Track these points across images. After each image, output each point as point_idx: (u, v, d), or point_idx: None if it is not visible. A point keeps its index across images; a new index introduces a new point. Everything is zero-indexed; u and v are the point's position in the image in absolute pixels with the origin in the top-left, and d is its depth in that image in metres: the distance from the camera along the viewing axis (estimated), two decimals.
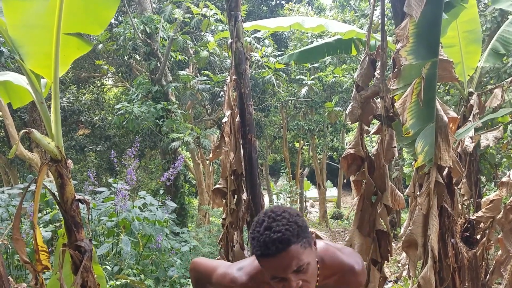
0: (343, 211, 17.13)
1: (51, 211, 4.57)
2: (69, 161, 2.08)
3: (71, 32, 1.96)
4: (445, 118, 2.67)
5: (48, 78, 1.95)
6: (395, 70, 2.59)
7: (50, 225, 4.49)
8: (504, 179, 3.43)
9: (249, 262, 1.57)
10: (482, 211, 3.64)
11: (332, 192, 21.02)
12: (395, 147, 3.00)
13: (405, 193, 3.36)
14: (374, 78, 2.90)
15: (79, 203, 2.22)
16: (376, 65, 2.87)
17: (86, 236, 2.23)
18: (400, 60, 2.44)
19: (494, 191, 4.28)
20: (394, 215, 10.16)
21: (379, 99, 2.92)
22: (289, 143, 15.81)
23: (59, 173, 2.05)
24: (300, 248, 1.27)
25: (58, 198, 2.14)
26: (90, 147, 11.24)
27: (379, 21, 2.91)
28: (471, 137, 4.59)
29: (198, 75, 9.33)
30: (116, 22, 10.96)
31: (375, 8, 3.07)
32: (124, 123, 7.74)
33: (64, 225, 2.23)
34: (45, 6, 1.83)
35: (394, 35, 2.77)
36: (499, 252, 3.80)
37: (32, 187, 3.52)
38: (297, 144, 16.55)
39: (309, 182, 20.55)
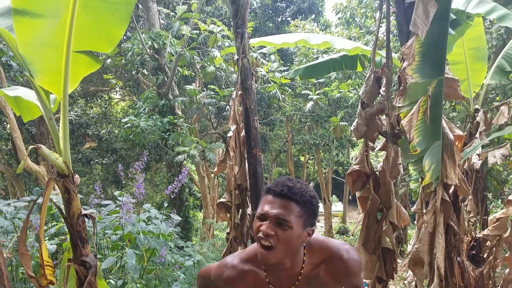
0: (349, 226, 16.98)
1: (57, 224, 4.58)
2: (76, 176, 2.10)
3: (81, 50, 1.99)
4: (451, 136, 2.67)
5: (57, 94, 1.98)
6: (401, 87, 2.61)
7: (55, 238, 4.49)
8: (510, 197, 3.40)
9: (244, 250, 1.64)
10: (488, 229, 3.60)
11: (337, 206, 20.87)
12: (400, 164, 3.00)
13: (412, 210, 3.35)
14: (379, 95, 2.91)
15: (85, 218, 2.23)
16: (381, 82, 2.89)
17: (91, 251, 2.23)
18: (406, 78, 2.46)
19: (501, 208, 4.25)
20: (400, 232, 10.07)
21: (384, 116, 2.93)
22: (294, 157, 15.80)
23: (66, 188, 2.07)
24: (295, 211, 1.34)
25: (64, 213, 2.16)
26: (96, 160, 11.30)
27: (385, 38, 2.94)
28: (478, 155, 4.58)
29: (205, 89, 9.41)
30: (125, 37, 11.11)
31: (380, 25, 3.10)
32: (131, 136, 7.79)
33: (69, 240, 2.24)
34: (55, 24, 1.86)
35: (399, 53, 2.79)
36: (507, 271, 3.75)
37: (39, 200, 3.55)
38: (302, 158, 16.54)
39: None
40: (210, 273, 1.67)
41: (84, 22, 1.91)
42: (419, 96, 2.51)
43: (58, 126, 2.04)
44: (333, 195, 20.11)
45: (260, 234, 1.35)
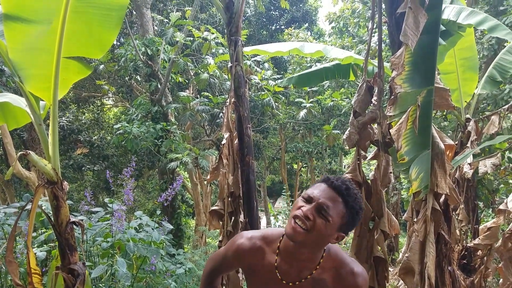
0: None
1: (47, 231, 4.53)
2: (65, 183, 2.08)
3: (72, 55, 1.99)
4: (442, 145, 2.69)
5: (47, 100, 1.97)
6: (392, 97, 2.62)
7: (45, 245, 4.44)
8: (501, 207, 3.42)
9: (266, 229, 1.65)
10: (479, 239, 3.61)
11: None
12: (391, 172, 3.01)
13: (403, 218, 3.35)
14: (371, 104, 2.92)
15: (74, 225, 2.20)
16: (373, 91, 2.90)
17: (80, 258, 2.21)
18: (395, 88, 2.47)
19: (492, 217, 4.27)
20: (392, 240, 10.07)
21: (376, 125, 2.94)
22: (287, 164, 15.82)
23: (54, 195, 2.05)
24: (341, 211, 1.36)
25: (52, 220, 2.13)
26: (88, 166, 11.21)
27: (377, 48, 2.96)
28: (469, 164, 4.62)
29: (198, 96, 9.40)
30: (118, 43, 11.11)
31: (372, 35, 3.13)
32: (123, 142, 7.75)
33: (58, 247, 2.21)
34: (46, 30, 1.86)
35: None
36: (500, 281, 3.75)
37: (28, 206, 3.51)
38: (295, 166, 16.56)
39: None
40: (221, 252, 1.71)
41: (75, 28, 1.91)
42: (409, 106, 2.53)
43: (48, 132, 2.03)
44: None
45: (299, 213, 1.36)
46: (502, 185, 7.07)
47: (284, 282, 1.50)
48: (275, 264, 1.51)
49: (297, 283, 1.48)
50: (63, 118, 10.60)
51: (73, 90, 11.13)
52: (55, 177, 2.03)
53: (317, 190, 1.39)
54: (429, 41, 2.63)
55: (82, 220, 4.68)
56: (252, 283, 1.61)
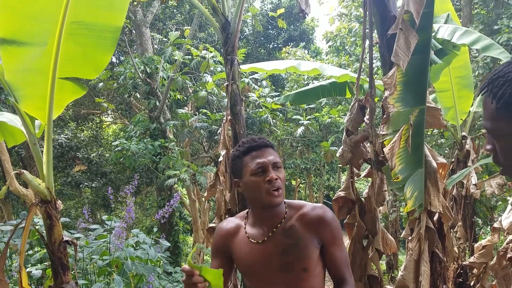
0: None
1: (42, 249, 4.50)
2: (59, 202, 2.09)
3: (67, 76, 2.02)
4: (434, 164, 2.71)
5: (42, 120, 2.00)
6: (384, 116, 2.65)
7: (39, 264, 4.41)
8: (495, 225, 3.41)
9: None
10: (475, 257, 3.60)
11: None
12: (385, 190, 3.02)
13: (401, 236, 3.35)
14: (364, 123, 2.96)
15: (67, 244, 2.21)
16: (366, 110, 2.94)
17: (77, 277, 2.21)
18: (388, 107, 2.51)
19: (490, 235, 4.27)
20: (391, 257, 10.00)
21: (368, 143, 2.97)
22: (286, 181, 15.77)
23: (48, 214, 2.06)
24: (276, 154, 1.59)
25: (45, 239, 2.14)
26: (86, 183, 11.20)
27: (369, 67, 3.01)
28: (475, 184, 4.65)
29: (197, 113, 9.45)
30: (118, 61, 11.22)
31: (365, 55, 3.18)
32: (121, 159, 7.77)
33: (50, 266, 2.21)
34: (41, 52, 1.90)
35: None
36: None
37: (23, 224, 3.50)
38: (293, 182, 16.51)
39: None
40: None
41: (70, 49, 1.95)
42: (401, 125, 2.56)
43: (42, 151, 2.05)
44: None
45: (271, 183, 1.49)
46: (500, 202, 7.06)
47: (260, 241, 1.57)
48: (245, 230, 1.63)
49: (270, 234, 1.56)
50: (62, 136, 10.64)
51: (72, 108, 11.20)
52: (48, 196, 2.04)
53: (258, 158, 1.53)
54: (420, 61, 2.68)
55: (79, 237, 4.67)
56: (241, 266, 1.66)
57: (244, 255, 1.58)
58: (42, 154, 2.07)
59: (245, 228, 1.63)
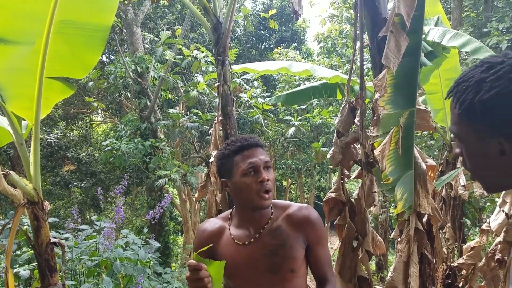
0: (330, 251, 16.86)
1: (31, 249, 4.45)
2: (46, 203, 2.07)
3: (55, 76, 1.99)
4: (423, 166, 2.73)
5: (29, 120, 1.97)
6: (375, 118, 2.66)
7: (27, 264, 4.36)
8: (484, 227, 3.45)
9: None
10: (463, 258, 3.63)
11: None
12: (375, 192, 3.03)
13: (391, 236, 3.36)
14: (354, 124, 2.97)
15: (55, 246, 2.18)
16: (356, 112, 2.95)
17: (65, 277, 2.18)
18: (378, 110, 2.52)
19: (479, 236, 4.32)
20: (381, 258, 10.05)
21: (359, 145, 2.98)
22: (277, 181, 15.79)
23: (35, 215, 2.03)
24: (265, 153, 1.57)
25: (32, 241, 2.11)
26: (75, 183, 11.09)
27: (359, 70, 3.02)
28: (464, 186, 4.69)
29: (188, 113, 9.42)
30: (108, 60, 11.14)
31: (355, 57, 3.19)
32: (111, 159, 7.70)
33: (37, 268, 2.18)
34: (29, 51, 1.87)
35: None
36: None
37: (9, 225, 3.46)
38: (284, 183, 16.53)
39: None
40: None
41: (58, 48, 1.92)
42: (391, 127, 2.57)
43: (30, 151, 2.02)
44: None
45: (263, 184, 1.48)
46: (488, 203, 7.13)
47: (247, 243, 1.56)
48: (229, 232, 1.60)
49: (257, 235, 1.55)
50: (51, 135, 10.52)
51: (62, 107, 11.08)
52: (36, 197, 2.02)
53: (250, 158, 1.50)
54: (411, 64, 2.69)
55: (68, 238, 4.63)
56: (226, 269, 1.59)
57: (229, 257, 1.54)
58: (30, 154, 2.04)
59: (229, 229, 1.61)
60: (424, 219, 2.90)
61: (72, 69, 2.05)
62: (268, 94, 9.61)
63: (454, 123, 0.88)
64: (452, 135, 5.10)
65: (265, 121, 9.36)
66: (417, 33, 2.72)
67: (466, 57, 7.81)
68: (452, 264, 3.78)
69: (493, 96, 0.77)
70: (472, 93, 0.80)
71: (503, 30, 7.79)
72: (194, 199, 11.36)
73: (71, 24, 1.92)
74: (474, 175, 0.92)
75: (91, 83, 8.59)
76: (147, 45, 10.11)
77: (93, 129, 13.62)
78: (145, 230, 6.58)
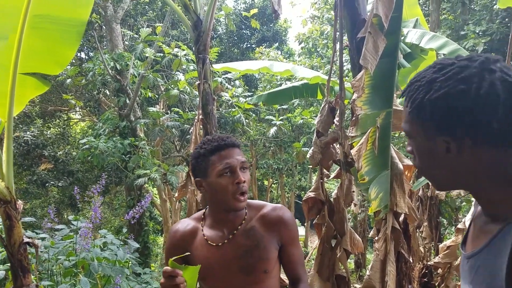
0: (310, 250, 16.98)
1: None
2: (19, 202, 2.02)
3: (29, 72, 1.95)
4: (400, 166, 2.76)
5: (1, 117, 1.91)
6: (353, 118, 2.69)
7: (1, 265, 4.26)
8: (459, 226, 3.52)
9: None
10: (439, 257, 3.70)
11: (300, 231, 20.89)
12: (354, 191, 3.06)
13: (369, 235, 3.40)
14: (334, 124, 2.99)
15: (28, 246, 2.13)
16: (335, 112, 2.97)
17: (41, 277, 2.13)
18: (356, 110, 2.54)
19: (455, 235, 4.41)
20: (359, 257, 10.17)
21: (338, 145, 3.00)
22: (258, 181, 15.81)
23: (7, 214, 1.98)
24: (242, 154, 1.56)
25: (5, 241, 2.06)
26: (52, 182, 10.88)
27: (339, 70, 3.05)
28: None
29: (169, 112, 9.34)
30: (87, 57, 10.95)
31: (335, 58, 3.21)
32: (89, 158, 7.58)
33: (10, 268, 2.13)
34: (2, 46, 1.82)
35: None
36: None
37: None
38: (266, 182, 16.57)
39: None
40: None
41: (33, 44, 1.88)
42: (369, 127, 2.60)
43: (2, 150, 1.97)
44: (296, 219, 20.12)
45: (240, 186, 1.47)
46: (464, 203, 7.29)
47: (220, 244, 1.54)
48: (203, 233, 1.58)
49: (230, 236, 1.54)
50: (28, 133, 10.30)
51: (39, 104, 10.85)
52: (8, 196, 1.97)
53: (226, 158, 1.48)
54: (389, 65, 2.73)
55: (44, 238, 4.54)
56: (200, 271, 1.60)
57: (203, 259, 1.52)
58: (2, 152, 1.99)
59: (202, 230, 1.59)
60: (401, 219, 2.93)
61: (47, 65, 2.00)
62: (249, 93, 9.61)
63: (406, 121, 0.90)
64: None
65: (247, 120, 9.35)
66: (395, 35, 2.76)
67: None
68: (429, 263, 3.85)
69: (441, 95, 0.79)
70: (423, 92, 0.82)
71: (480, 33, 7.98)
72: (174, 198, 11.28)
73: (46, 18, 1.87)
74: (425, 173, 0.95)
75: (69, 80, 8.44)
76: (126, 42, 9.99)
77: (71, 127, 13.37)
78: (124, 230, 6.50)
